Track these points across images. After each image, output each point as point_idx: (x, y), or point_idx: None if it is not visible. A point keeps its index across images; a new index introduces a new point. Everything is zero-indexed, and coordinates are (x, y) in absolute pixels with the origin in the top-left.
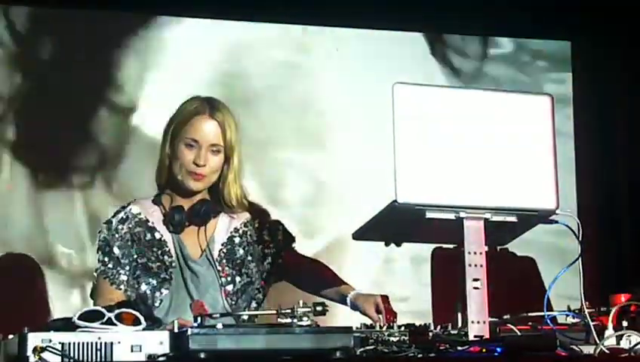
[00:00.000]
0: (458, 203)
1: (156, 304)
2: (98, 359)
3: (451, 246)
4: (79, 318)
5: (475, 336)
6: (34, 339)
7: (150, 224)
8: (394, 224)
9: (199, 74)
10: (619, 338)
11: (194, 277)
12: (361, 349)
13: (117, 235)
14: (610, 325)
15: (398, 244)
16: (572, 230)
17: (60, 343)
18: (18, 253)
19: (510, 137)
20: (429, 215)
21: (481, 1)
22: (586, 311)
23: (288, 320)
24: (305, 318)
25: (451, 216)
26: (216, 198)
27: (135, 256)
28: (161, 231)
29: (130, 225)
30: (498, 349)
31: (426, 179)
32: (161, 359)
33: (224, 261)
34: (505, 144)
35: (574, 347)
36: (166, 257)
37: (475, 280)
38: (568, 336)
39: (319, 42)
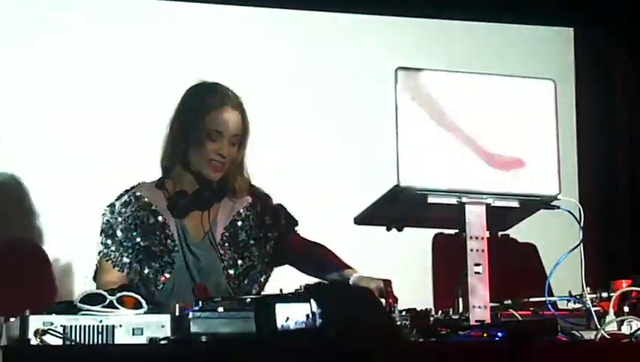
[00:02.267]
0: (460, 188)
1: (159, 287)
2: (99, 342)
3: (453, 231)
4: (81, 301)
5: (477, 321)
6: (35, 322)
7: (153, 208)
8: (396, 209)
9: (200, 60)
10: (620, 323)
11: (196, 260)
12: None
13: (120, 218)
14: (611, 310)
15: (400, 229)
16: (574, 215)
17: (61, 326)
18: (21, 236)
19: (512, 122)
20: (431, 200)
21: None
22: (587, 296)
23: None
24: None
25: (453, 200)
26: (220, 183)
27: (138, 240)
28: (164, 215)
29: (134, 209)
30: (499, 334)
31: (428, 164)
32: (162, 342)
33: (226, 244)
34: (507, 129)
35: (575, 332)
36: (169, 241)
37: (477, 265)
38: (569, 322)
39: (321, 28)
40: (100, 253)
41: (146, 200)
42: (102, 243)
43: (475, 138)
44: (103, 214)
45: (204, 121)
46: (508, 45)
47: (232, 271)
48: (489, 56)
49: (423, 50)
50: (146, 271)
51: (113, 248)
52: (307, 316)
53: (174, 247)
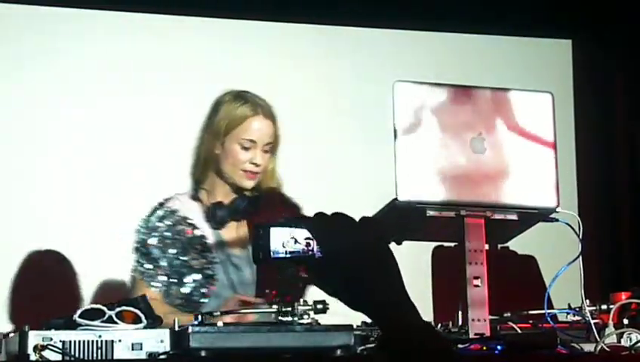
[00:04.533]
0: (459, 201)
1: (201, 301)
2: (99, 357)
3: (452, 244)
4: (80, 316)
5: (476, 334)
6: (35, 337)
7: (190, 221)
8: (394, 222)
9: (204, 72)
10: (619, 336)
11: (238, 271)
12: (362, 347)
13: (156, 233)
14: (610, 323)
15: (399, 243)
16: (572, 228)
17: (60, 341)
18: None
19: (511, 135)
20: (430, 213)
21: (481, 1)
22: (587, 309)
23: (289, 318)
24: (306, 316)
25: (452, 214)
26: (254, 192)
27: (175, 254)
28: (201, 228)
29: (169, 223)
30: (499, 347)
31: (426, 177)
32: (161, 357)
33: None
34: (505, 141)
35: (575, 345)
36: (208, 253)
37: (476, 278)
38: (569, 334)
39: (322, 40)
40: (134, 270)
41: (182, 213)
42: (135, 260)
43: (473, 151)
44: (137, 231)
45: (237, 130)
46: (506, 58)
47: None
48: (487, 69)
49: (421, 63)
50: (186, 286)
51: (148, 266)
52: (305, 243)
53: (214, 259)
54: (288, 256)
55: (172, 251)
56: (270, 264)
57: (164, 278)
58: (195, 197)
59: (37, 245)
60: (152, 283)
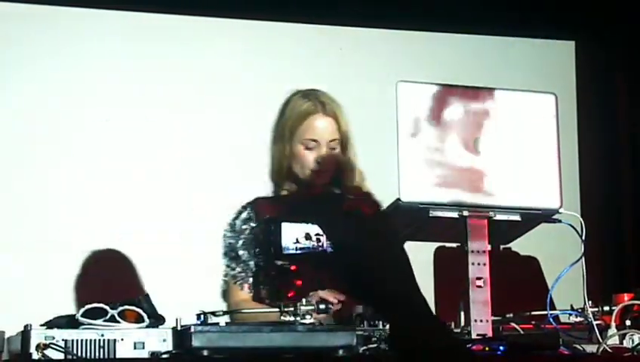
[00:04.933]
0: (461, 201)
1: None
2: (101, 356)
3: (455, 244)
4: (82, 315)
5: (478, 335)
6: (37, 336)
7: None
8: (397, 223)
9: (203, 73)
10: (622, 337)
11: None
12: (364, 347)
13: (242, 236)
14: (613, 324)
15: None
16: (575, 229)
17: (63, 340)
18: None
19: (514, 136)
20: (433, 213)
21: (484, 1)
22: (589, 310)
23: (291, 318)
24: (308, 316)
25: (455, 214)
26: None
27: (262, 255)
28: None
29: (254, 225)
30: (501, 348)
31: (429, 178)
32: (164, 356)
33: None
34: (508, 142)
35: (577, 346)
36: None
37: (479, 278)
38: (571, 335)
39: (322, 41)
40: (226, 275)
41: (266, 215)
42: (226, 265)
43: (476, 152)
44: (225, 236)
45: (300, 130)
46: (509, 59)
47: None
48: (490, 70)
49: (423, 64)
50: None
51: (239, 269)
52: (316, 238)
53: None
54: (299, 251)
55: (258, 253)
56: (282, 260)
57: (253, 281)
58: (277, 199)
59: (119, 253)
60: (244, 286)
